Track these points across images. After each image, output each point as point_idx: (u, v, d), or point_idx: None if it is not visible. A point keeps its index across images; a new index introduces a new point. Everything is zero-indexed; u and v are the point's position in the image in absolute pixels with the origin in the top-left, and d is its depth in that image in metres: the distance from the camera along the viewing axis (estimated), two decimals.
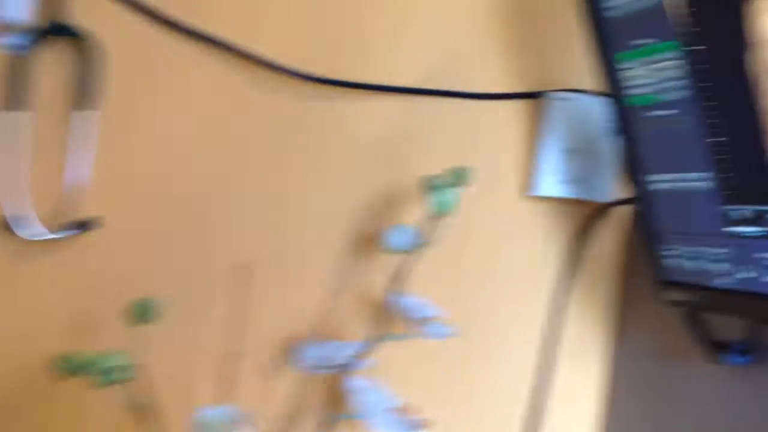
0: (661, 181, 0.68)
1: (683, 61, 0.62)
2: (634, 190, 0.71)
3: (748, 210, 0.60)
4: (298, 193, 0.77)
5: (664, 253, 0.69)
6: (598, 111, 0.81)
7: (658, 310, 0.75)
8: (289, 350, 0.75)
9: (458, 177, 0.71)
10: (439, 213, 0.71)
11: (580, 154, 0.81)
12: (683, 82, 0.63)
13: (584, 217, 0.81)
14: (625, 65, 0.68)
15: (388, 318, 0.75)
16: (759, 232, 0.59)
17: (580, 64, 0.81)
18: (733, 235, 0.61)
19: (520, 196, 0.81)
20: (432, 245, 0.73)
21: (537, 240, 0.80)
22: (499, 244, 0.80)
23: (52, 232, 0.70)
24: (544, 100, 0.80)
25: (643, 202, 0.70)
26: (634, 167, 0.70)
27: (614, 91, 0.70)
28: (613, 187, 0.81)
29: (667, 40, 0.63)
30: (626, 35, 0.67)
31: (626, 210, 0.82)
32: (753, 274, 0.61)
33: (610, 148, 0.81)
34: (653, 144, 0.68)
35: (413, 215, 0.75)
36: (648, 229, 0.70)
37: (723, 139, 0.60)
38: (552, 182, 0.80)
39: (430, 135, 0.79)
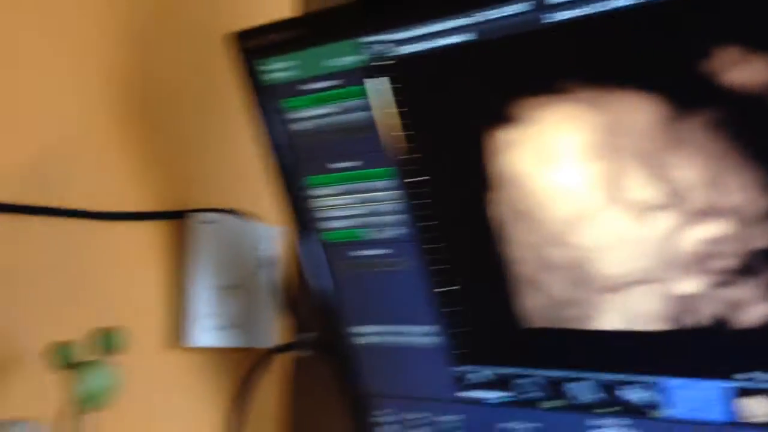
0: (371, 334, 0.56)
1: (398, 192, 0.52)
2: (332, 342, 0.58)
3: (487, 372, 0.52)
4: None
5: (377, 419, 0.57)
6: (253, 237, 0.66)
7: None
8: None
9: (109, 344, 0.49)
10: (88, 407, 0.47)
11: (236, 291, 0.64)
12: (398, 217, 0.53)
13: (246, 365, 0.65)
14: (318, 191, 0.56)
15: None
16: (502, 398, 0.51)
17: (230, 179, 0.66)
18: (468, 400, 0.53)
19: (169, 349, 0.61)
20: None
21: (196, 396, 0.64)
22: (153, 408, 0.60)
23: None
24: (188, 223, 0.62)
25: (344, 359, 0.57)
26: (328, 314, 0.57)
27: (302, 222, 0.57)
28: (275, 331, 0.67)
29: (378, 165, 0.53)
30: (321, 154, 0.55)
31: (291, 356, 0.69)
32: None
33: (271, 283, 0.67)
34: (358, 289, 0.56)
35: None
36: (352, 391, 0.57)
37: (453, 288, 0.52)
38: (206, 329, 0.62)
39: (38, 268, 0.53)
